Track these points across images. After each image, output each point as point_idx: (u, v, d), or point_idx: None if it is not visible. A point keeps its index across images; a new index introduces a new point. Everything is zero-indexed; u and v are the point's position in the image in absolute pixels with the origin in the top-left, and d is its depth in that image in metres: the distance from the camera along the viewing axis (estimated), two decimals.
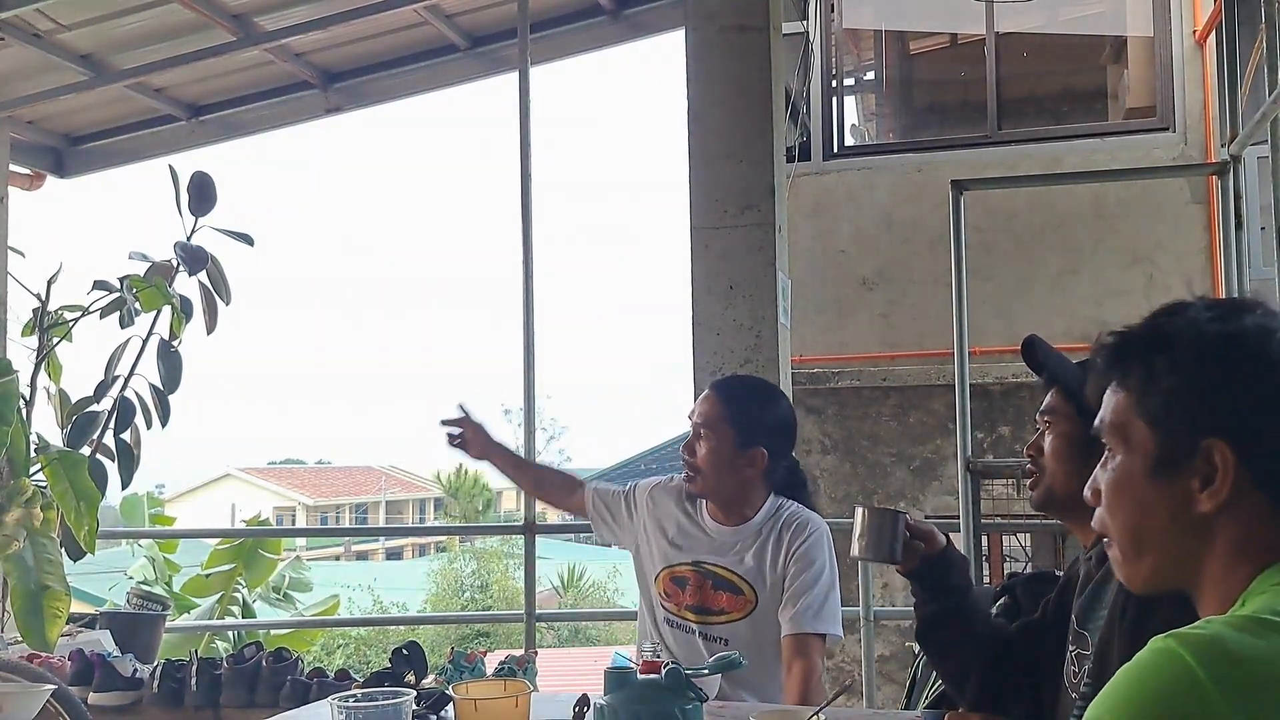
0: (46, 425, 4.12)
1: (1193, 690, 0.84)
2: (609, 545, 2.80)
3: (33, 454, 3.79)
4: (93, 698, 3.13)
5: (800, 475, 2.66)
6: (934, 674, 2.22)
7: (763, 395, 2.60)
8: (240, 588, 7.25)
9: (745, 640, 2.40)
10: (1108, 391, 1.12)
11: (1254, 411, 1.01)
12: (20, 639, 3.53)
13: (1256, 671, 0.85)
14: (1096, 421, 1.14)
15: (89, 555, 3.86)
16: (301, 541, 22.48)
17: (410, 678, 2.72)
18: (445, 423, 2.78)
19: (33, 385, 4.10)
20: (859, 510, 1.94)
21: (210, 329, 4.29)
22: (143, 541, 7.79)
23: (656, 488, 2.64)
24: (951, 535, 2.06)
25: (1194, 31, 6.04)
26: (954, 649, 1.91)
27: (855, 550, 1.92)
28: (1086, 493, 1.16)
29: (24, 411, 3.90)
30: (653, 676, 1.75)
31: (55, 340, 4.15)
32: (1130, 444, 1.08)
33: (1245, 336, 1.04)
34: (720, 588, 2.46)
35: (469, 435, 2.77)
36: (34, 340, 4.14)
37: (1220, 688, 0.84)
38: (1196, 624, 0.91)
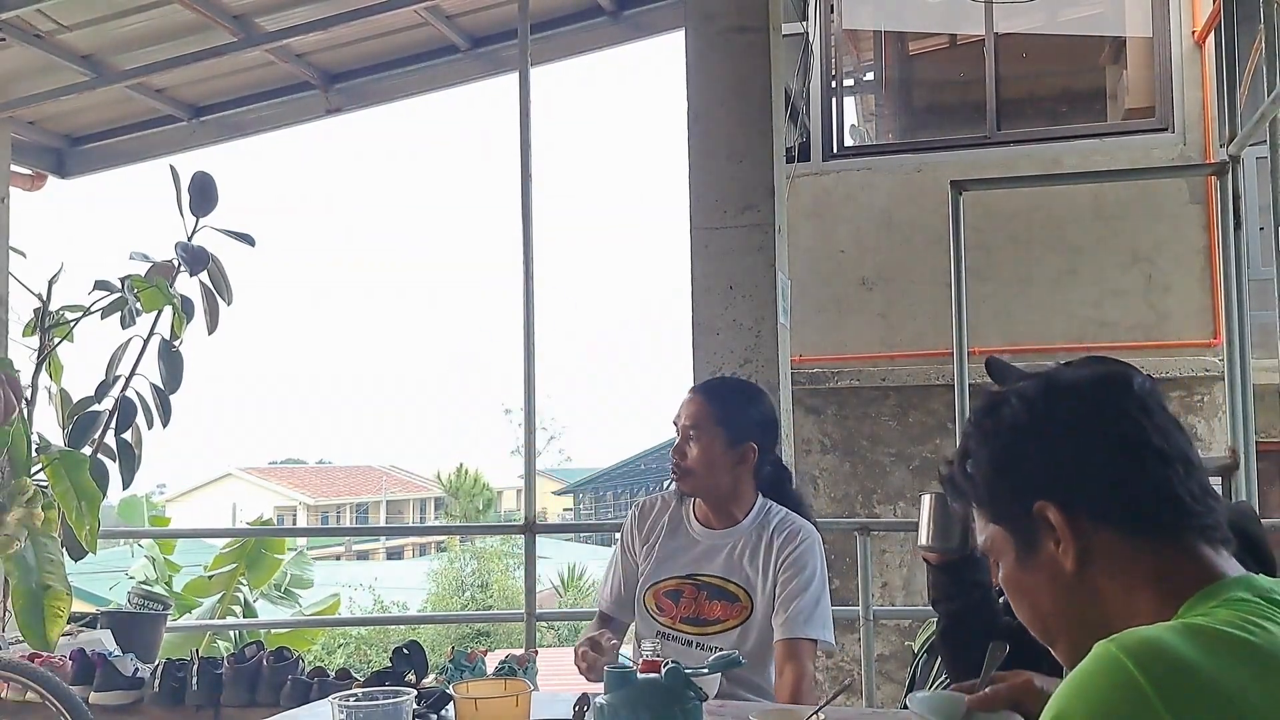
0: (48, 425, 4.14)
1: (1133, 695, 0.86)
2: None
3: (34, 454, 3.79)
4: (94, 697, 3.14)
5: (785, 470, 2.70)
6: (933, 673, 2.23)
7: (745, 392, 2.65)
8: (242, 587, 7.26)
9: (746, 648, 2.40)
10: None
11: (1049, 464, 1.09)
12: (21, 638, 3.54)
13: (1195, 678, 0.87)
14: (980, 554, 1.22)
15: (90, 555, 3.87)
16: (302, 541, 22.51)
17: (411, 677, 2.72)
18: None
19: (34, 385, 4.11)
20: (925, 498, 1.92)
21: (211, 329, 4.30)
22: (143, 541, 7.81)
23: (641, 509, 2.64)
24: None
25: (1193, 32, 6.05)
26: (973, 646, 1.90)
27: (923, 539, 1.91)
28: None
29: (25, 411, 3.91)
30: (653, 676, 1.76)
31: (56, 340, 4.16)
32: (998, 549, 1.15)
33: (1009, 407, 1.13)
34: (715, 597, 2.46)
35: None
36: (35, 340, 4.15)
37: (1160, 693, 0.85)
38: (1141, 628, 0.93)
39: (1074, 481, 1.07)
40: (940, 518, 1.90)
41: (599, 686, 1.80)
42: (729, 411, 2.51)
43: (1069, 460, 1.07)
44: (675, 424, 2.55)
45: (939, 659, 2.15)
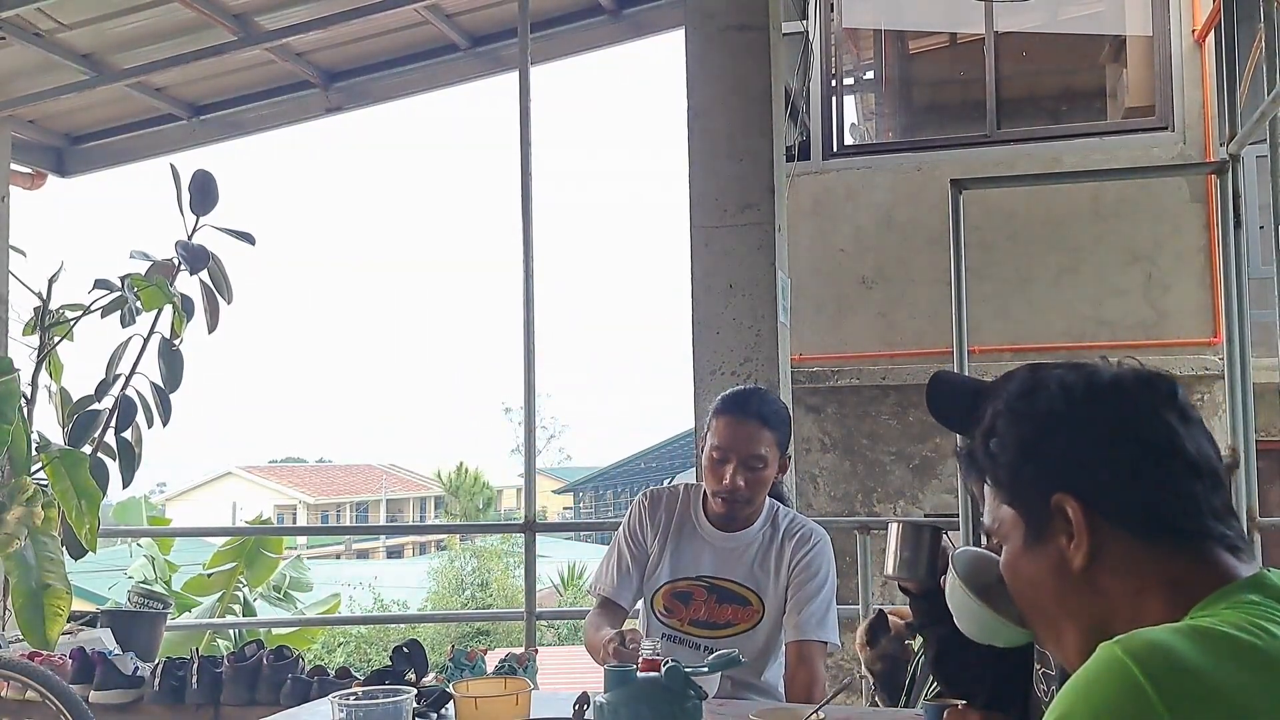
0: (48, 424, 4.15)
1: (1137, 698, 0.85)
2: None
3: (34, 452, 3.80)
4: (94, 696, 3.14)
5: None
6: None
7: (777, 401, 2.58)
8: (242, 586, 7.26)
9: (755, 650, 2.41)
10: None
11: (1078, 457, 1.06)
12: (21, 637, 3.54)
13: (1199, 682, 0.86)
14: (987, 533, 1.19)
15: (90, 554, 3.87)
16: (302, 540, 22.49)
17: (411, 676, 2.72)
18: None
19: (34, 384, 4.11)
20: (893, 525, 1.85)
21: (211, 328, 4.30)
22: (142, 541, 7.80)
23: (651, 499, 2.59)
24: (951, 534, 2.05)
25: (1193, 31, 6.05)
26: (967, 669, 1.81)
27: (890, 568, 1.84)
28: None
29: (25, 410, 3.91)
30: (653, 675, 1.76)
31: (56, 339, 4.17)
32: (1005, 531, 1.14)
33: (1047, 393, 1.11)
34: (726, 600, 2.46)
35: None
36: (35, 339, 4.16)
37: (1163, 696, 0.85)
38: (1145, 630, 0.92)
39: (1100, 479, 1.04)
40: (906, 549, 1.82)
41: (599, 685, 1.79)
42: (782, 430, 2.47)
43: (1099, 457, 1.05)
44: (724, 451, 2.41)
45: None
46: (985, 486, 1.17)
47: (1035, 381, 1.13)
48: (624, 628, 2.32)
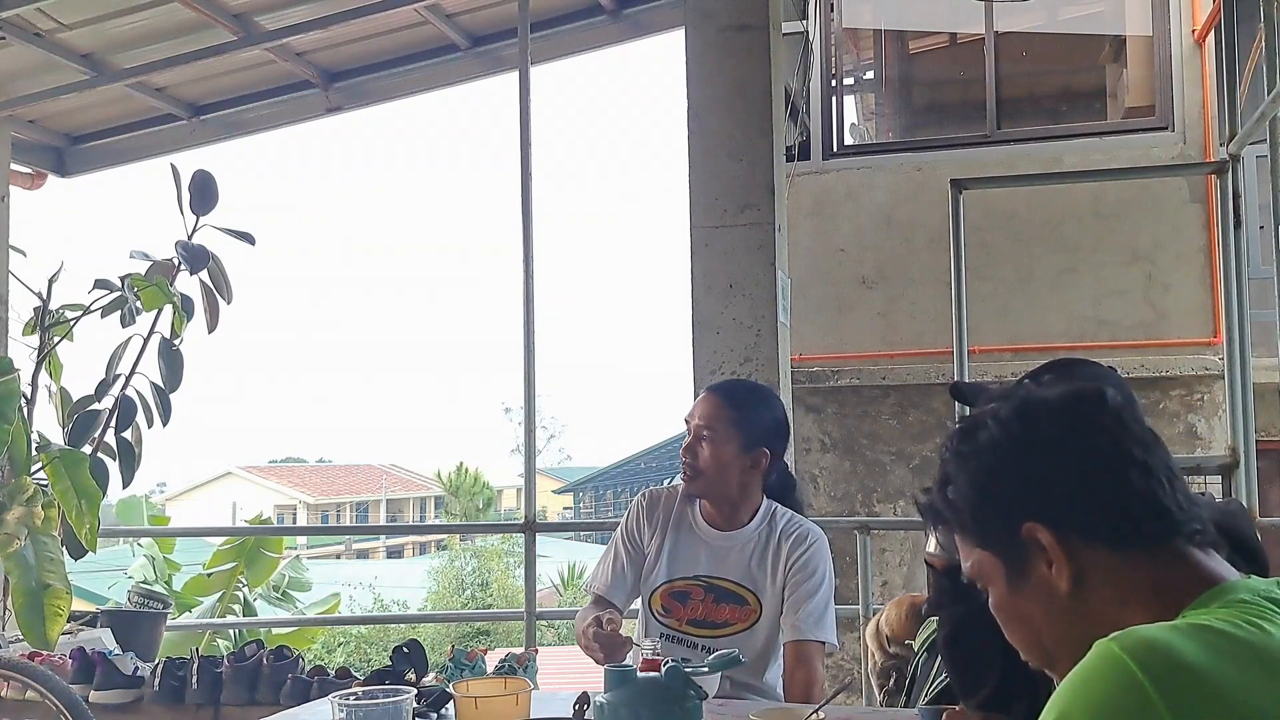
0: (48, 424, 4.15)
1: (1135, 694, 0.85)
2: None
3: (34, 452, 3.80)
4: (94, 696, 3.14)
5: (791, 477, 2.68)
6: (933, 672, 2.22)
7: (763, 397, 2.60)
8: (242, 586, 7.26)
9: (754, 651, 2.41)
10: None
11: (1032, 484, 1.08)
12: (21, 637, 3.54)
13: (1196, 678, 0.86)
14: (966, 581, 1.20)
15: (90, 553, 3.87)
16: (303, 540, 22.50)
17: (411, 676, 2.72)
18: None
19: (34, 384, 4.11)
20: None
21: (211, 328, 4.30)
22: (142, 541, 7.81)
23: (649, 499, 2.60)
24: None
25: (1193, 31, 6.05)
26: (979, 653, 1.79)
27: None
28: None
29: (25, 410, 3.91)
30: (653, 675, 1.76)
31: (56, 339, 4.17)
32: (987, 575, 1.14)
33: (986, 430, 1.12)
34: (724, 600, 2.45)
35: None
36: (35, 339, 4.16)
37: (1161, 692, 0.85)
38: (1141, 627, 0.92)
39: (1061, 501, 1.06)
40: None
41: (599, 685, 1.80)
42: (746, 415, 2.47)
43: (1053, 480, 1.06)
44: (687, 422, 2.51)
45: (939, 658, 2.13)
46: (955, 536, 1.17)
47: (971, 423, 1.15)
48: (599, 614, 2.33)
